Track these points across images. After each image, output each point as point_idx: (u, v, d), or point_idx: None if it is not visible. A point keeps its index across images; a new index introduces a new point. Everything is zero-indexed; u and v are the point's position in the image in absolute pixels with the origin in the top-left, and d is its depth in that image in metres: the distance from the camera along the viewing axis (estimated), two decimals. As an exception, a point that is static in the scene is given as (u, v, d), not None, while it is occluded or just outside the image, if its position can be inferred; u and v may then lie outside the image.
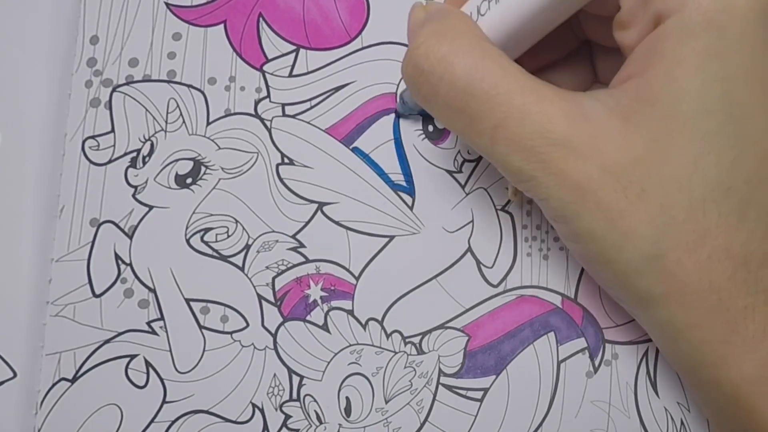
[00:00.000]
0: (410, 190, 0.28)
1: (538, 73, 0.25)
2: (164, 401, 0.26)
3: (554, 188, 0.21)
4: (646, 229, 0.20)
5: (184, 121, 0.28)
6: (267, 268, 0.27)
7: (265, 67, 0.28)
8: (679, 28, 0.20)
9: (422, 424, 0.27)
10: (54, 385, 0.26)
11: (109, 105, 0.28)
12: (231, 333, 0.27)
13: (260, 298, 0.27)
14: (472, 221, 0.28)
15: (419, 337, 0.27)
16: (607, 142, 0.20)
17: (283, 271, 0.27)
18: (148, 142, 0.27)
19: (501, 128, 0.20)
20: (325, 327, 0.27)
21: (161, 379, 0.26)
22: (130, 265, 0.27)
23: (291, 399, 0.26)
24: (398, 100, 0.28)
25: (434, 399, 0.27)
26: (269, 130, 0.28)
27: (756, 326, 0.21)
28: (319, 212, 0.27)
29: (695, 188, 0.20)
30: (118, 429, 0.26)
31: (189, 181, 0.27)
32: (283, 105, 0.28)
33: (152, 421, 0.26)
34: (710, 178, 0.20)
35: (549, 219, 0.22)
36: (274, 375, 0.26)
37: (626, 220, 0.20)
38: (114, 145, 0.27)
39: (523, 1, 0.21)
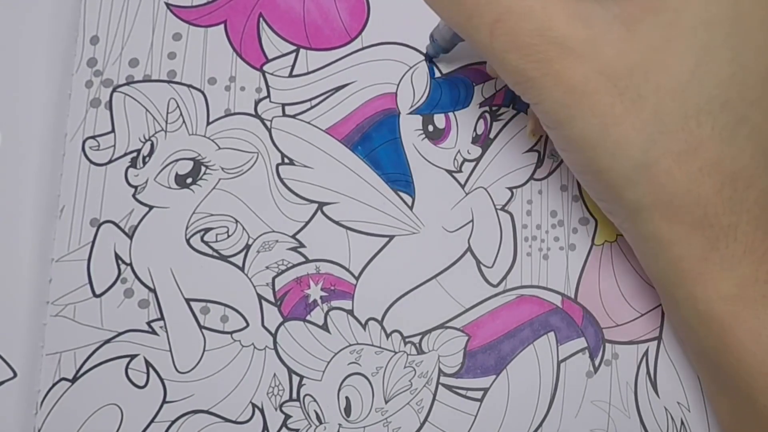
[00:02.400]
0: (410, 190, 0.28)
1: None
2: (164, 401, 0.26)
3: (550, 90, 0.20)
4: (639, 136, 0.20)
5: (184, 121, 0.28)
6: (267, 268, 0.27)
7: (265, 67, 0.28)
8: None
9: (422, 424, 0.27)
10: (54, 385, 0.26)
11: (110, 105, 0.28)
12: (231, 333, 0.27)
13: (260, 298, 0.27)
14: (472, 221, 0.28)
15: (419, 337, 0.27)
16: (606, 47, 0.20)
17: (283, 271, 0.27)
18: (149, 142, 0.27)
19: (500, 23, 0.20)
20: (325, 327, 0.27)
21: (161, 379, 0.26)
22: (130, 265, 0.27)
23: (291, 399, 0.26)
24: (429, 40, 0.28)
25: (434, 399, 0.27)
26: (269, 130, 0.28)
27: (737, 245, 0.21)
28: (319, 212, 0.27)
29: (690, 98, 0.20)
30: (118, 429, 0.26)
31: (189, 181, 0.27)
32: (283, 105, 0.28)
33: (152, 421, 0.26)
34: (707, 89, 0.20)
35: (543, 126, 0.22)
36: (274, 375, 0.26)
37: (620, 126, 0.20)
38: (114, 145, 0.27)
39: None
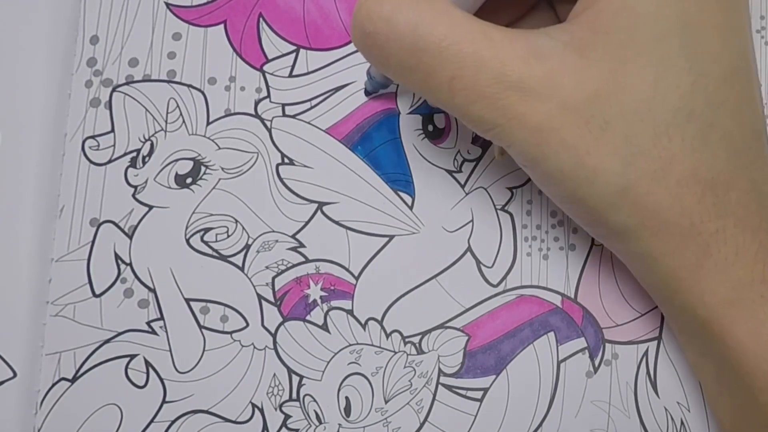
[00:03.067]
0: (410, 190, 0.28)
1: None
2: (164, 401, 0.26)
3: (517, 133, 0.20)
4: (613, 161, 0.20)
5: (184, 121, 0.28)
6: (267, 267, 0.27)
7: (265, 67, 0.28)
8: None
9: (422, 424, 0.27)
10: (54, 385, 0.26)
11: (109, 105, 0.28)
12: (231, 333, 0.27)
13: (260, 297, 0.27)
14: (472, 221, 0.28)
15: (419, 337, 0.27)
16: (564, 79, 0.20)
17: (283, 271, 0.27)
18: (148, 142, 0.27)
19: (457, 79, 0.20)
20: (324, 327, 0.27)
21: (161, 379, 0.26)
22: (130, 264, 0.27)
23: (290, 399, 0.26)
24: (366, 77, 0.27)
25: (434, 399, 0.27)
26: (269, 130, 0.28)
27: (728, 249, 0.21)
28: (318, 212, 0.27)
29: (657, 115, 0.20)
30: (118, 429, 0.26)
31: (189, 180, 0.27)
32: (283, 105, 0.28)
33: (152, 421, 0.26)
34: (671, 103, 0.20)
35: (519, 165, 0.22)
36: (274, 375, 0.26)
37: (593, 155, 0.20)
38: (114, 145, 0.27)
39: None
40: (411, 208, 0.28)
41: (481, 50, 0.20)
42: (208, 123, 0.28)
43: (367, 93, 0.28)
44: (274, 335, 0.27)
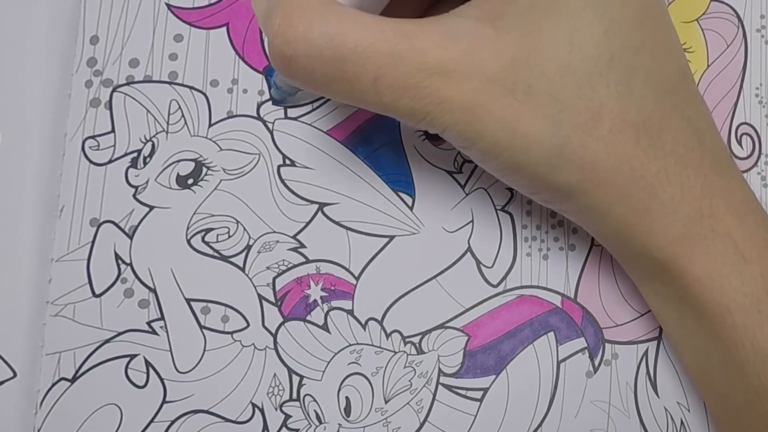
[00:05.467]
0: (410, 191, 0.28)
1: None
2: (164, 401, 0.26)
3: (448, 116, 0.21)
4: (543, 123, 0.21)
5: (185, 123, 0.28)
6: (267, 268, 0.27)
7: (267, 70, 0.28)
8: None
9: (422, 424, 0.27)
10: (54, 385, 0.26)
11: (110, 105, 0.28)
12: (231, 333, 0.27)
13: (261, 298, 0.27)
14: (472, 221, 0.28)
15: (419, 337, 0.27)
16: (481, 54, 0.20)
17: (284, 272, 0.27)
18: (149, 143, 0.27)
19: (380, 78, 0.20)
20: (325, 327, 0.27)
21: (161, 379, 0.26)
22: (131, 265, 0.27)
23: (291, 399, 0.26)
24: (271, 87, 0.27)
25: (434, 399, 0.27)
26: (271, 132, 0.28)
27: (673, 188, 0.21)
28: (319, 213, 0.27)
29: (577, 67, 0.20)
30: (118, 429, 0.26)
31: (190, 181, 0.27)
32: (285, 107, 0.28)
33: (152, 421, 0.26)
34: (588, 53, 0.20)
35: (458, 149, 0.22)
36: (274, 375, 0.26)
37: (523, 121, 0.20)
38: (114, 146, 0.27)
39: None
40: (411, 208, 0.28)
41: (397, 45, 0.20)
42: (210, 125, 0.28)
43: (275, 102, 0.28)
44: (274, 335, 0.27)
